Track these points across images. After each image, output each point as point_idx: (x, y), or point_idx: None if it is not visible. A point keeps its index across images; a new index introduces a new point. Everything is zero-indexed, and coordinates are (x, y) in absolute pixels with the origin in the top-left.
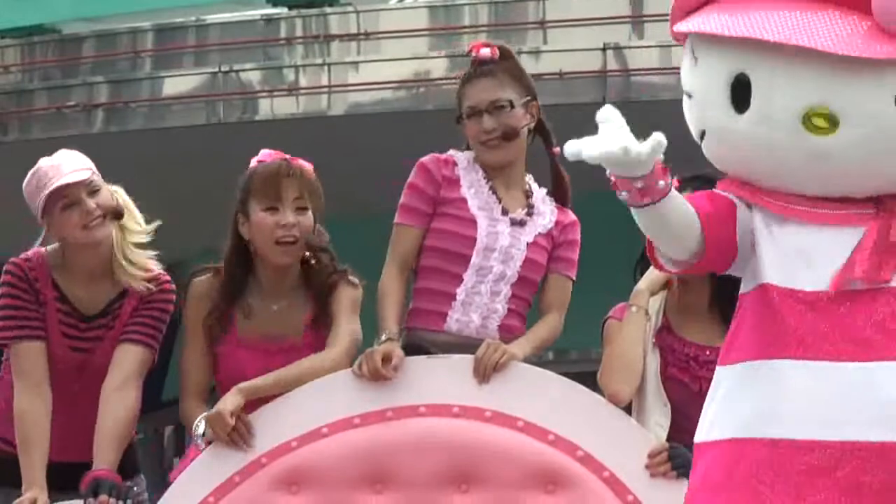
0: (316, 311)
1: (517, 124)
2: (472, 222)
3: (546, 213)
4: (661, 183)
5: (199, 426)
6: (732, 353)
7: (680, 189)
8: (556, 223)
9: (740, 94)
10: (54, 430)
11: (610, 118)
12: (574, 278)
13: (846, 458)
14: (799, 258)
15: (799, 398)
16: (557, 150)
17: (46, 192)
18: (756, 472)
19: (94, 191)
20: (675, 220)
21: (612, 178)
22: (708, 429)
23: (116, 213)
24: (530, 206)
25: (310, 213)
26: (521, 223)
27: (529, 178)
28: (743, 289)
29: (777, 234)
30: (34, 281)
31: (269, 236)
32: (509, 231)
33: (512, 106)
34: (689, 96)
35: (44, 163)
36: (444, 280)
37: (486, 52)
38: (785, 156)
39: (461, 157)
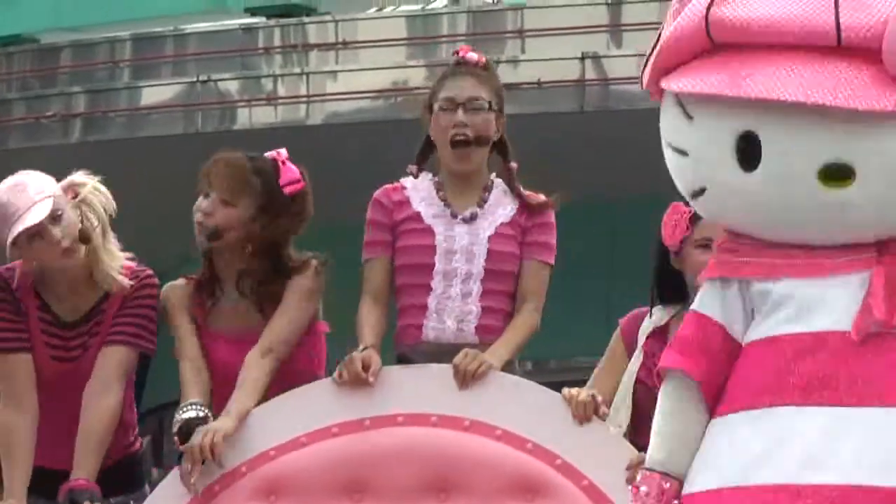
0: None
1: (488, 131)
2: (430, 231)
3: (507, 202)
4: None
5: (184, 413)
6: (723, 404)
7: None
8: (522, 208)
9: (747, 151)
10: (46, 439)
11: None
12: (550, 262)
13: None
14: (808, 306)
15: (803, 442)
16: (514, 165)
17: (8, 236)
18: None
19: (57, 217)
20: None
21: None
22: (704, 479)
23: (84, 237)
24: (483, 200)
25: (235, 209)
26: (473, 217)
27: (493, 177)
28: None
29: (780, 291)
30: (16, 291)
31: (196, 218)
32: (466, 230)
33: (489, 108)
34: (683, 154)
35: (3, 195)
36: (415, 293)
37: (473, 56)
38: (800, 210)
39: (408, 180)
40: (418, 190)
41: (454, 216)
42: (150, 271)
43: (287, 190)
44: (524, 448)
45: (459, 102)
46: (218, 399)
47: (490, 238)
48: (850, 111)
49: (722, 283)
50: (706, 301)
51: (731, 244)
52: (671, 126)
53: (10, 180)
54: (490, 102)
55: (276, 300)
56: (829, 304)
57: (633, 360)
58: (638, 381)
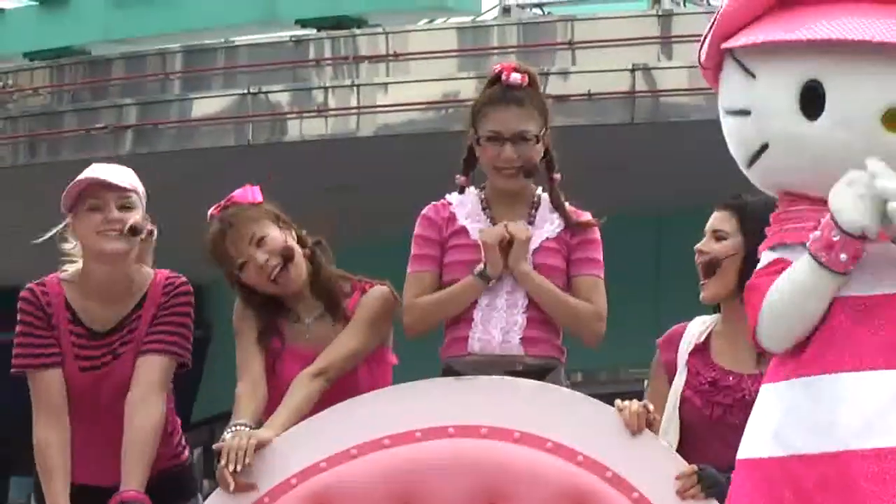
0: (338, 318)
1: (537, 160)
2: (475, 247)
3: (553, 218)
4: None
5: (230, 433)
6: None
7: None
8: (567, 226)
9: (811, 100)
10: (81, 453)
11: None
12: (600, 276)
13: None
14: (860, 267)
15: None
16: (558, 177)
17: (80, 182)
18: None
19: (126, 205)
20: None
21: (838, 237)
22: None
23: (133, 230)
24: (531, 217)
25: (272, 236)
26: None
27: (538, 190)
28: None
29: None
30: (47, 306)
31: (260, 279)
32: None
33: (537, 140)
34: (745, 114)
35: (94, 165)
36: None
37: (516, 77)
38: (862, 157)
39: (453, 196)
40: (464, 205)
41: None
42: (184, 279)
43: (258, 201)
44: (574, 460)
45: (506, 137)
46: None
47: (535, 252)
48: None
49: (785, 249)
50: (769, 257)
51: (791, 213)
52: (733, 90)
53: (107, 166)
54: (536, 135)
55: (347, 316)
56: (888, 265)
57: (676, 377)
58: (683, 400)
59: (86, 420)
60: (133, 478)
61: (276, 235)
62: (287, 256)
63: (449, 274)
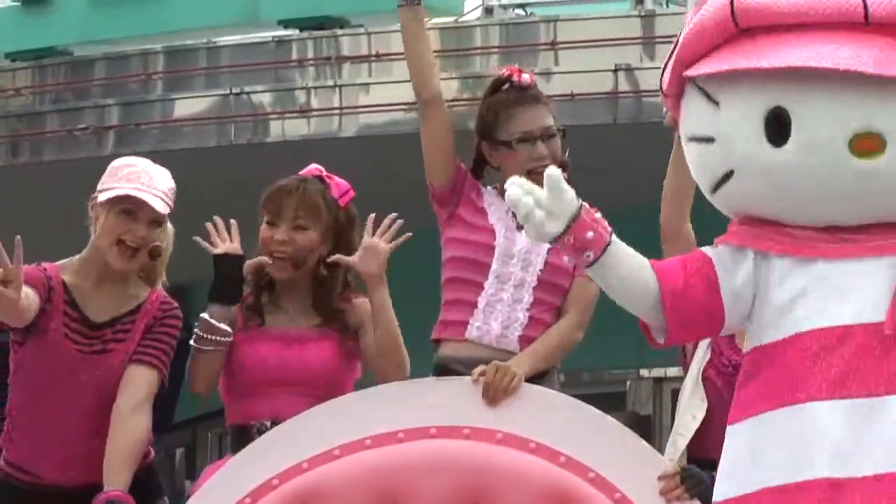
0: (323, 320)
1: (562, 155)
2: (491, 231)
3: None
4: (590, 234)
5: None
6: (746, 409)
7: None
8: None
9: (776, 127)
10: (49, 448)
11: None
12: None
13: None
14: (832, 294)
15: (833, 436)
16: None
17: (122, 190)
18: None
19: (156, 222)
20: (627, 276)
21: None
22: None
23: (153, 253)
24: None
25: (310, 232)
26: None
27: None
28: (754, 343)
29: (812, 274)
30: (49, 279)
31: (265, 248)
32: (526, 238)
33: (563, 135)
34: (709, 141)
35: (144, 164)
36: (465, 289)
37: (526, 78)
38: (831, 183)
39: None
40: (489, 193)
41: (519, 228)
42: (175, 303)
43: (342, 202)
44: (557, 461)
45: (536, 136)
46: (257, 399)
47: (549, 249)
48: (880, 80)
49: (735, 251)
50: (713, 251)
51: (753, 221)
52: (696, 117)
53: (152, 165)
54: (559, 130)
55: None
56: (861, 290)
57: (701, 352)
58: (704, 378)
59: (58, 395)
60: (120, 478)
61: (313, 238)
62: (297, 261)
63: (458, 250)
